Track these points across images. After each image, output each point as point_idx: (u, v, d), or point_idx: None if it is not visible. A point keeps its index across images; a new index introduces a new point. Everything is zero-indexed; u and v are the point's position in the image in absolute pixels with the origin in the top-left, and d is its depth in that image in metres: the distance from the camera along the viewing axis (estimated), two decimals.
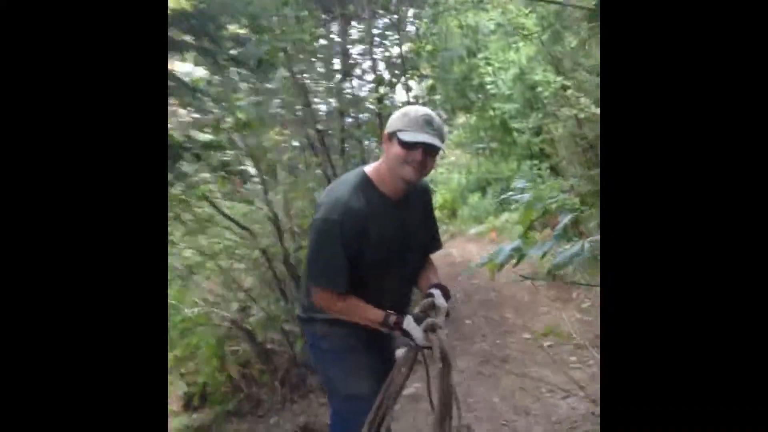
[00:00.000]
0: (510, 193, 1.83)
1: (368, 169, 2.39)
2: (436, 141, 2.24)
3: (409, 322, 2.28)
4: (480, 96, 7.85)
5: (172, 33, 3.22)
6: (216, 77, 4.18)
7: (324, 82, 5.36)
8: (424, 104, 5.80)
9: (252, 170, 4.73)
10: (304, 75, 4.76)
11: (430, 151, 2.25)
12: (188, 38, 3.26)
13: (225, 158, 4.17)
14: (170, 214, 5.09)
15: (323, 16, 5.27)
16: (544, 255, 1.66)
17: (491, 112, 9.42)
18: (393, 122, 2.29)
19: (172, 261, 5.67)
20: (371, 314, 2.31)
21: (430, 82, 6.26)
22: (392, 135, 2.27)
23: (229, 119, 4.13)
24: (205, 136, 4.03)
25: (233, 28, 3.68)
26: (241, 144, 4.33)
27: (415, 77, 5.99)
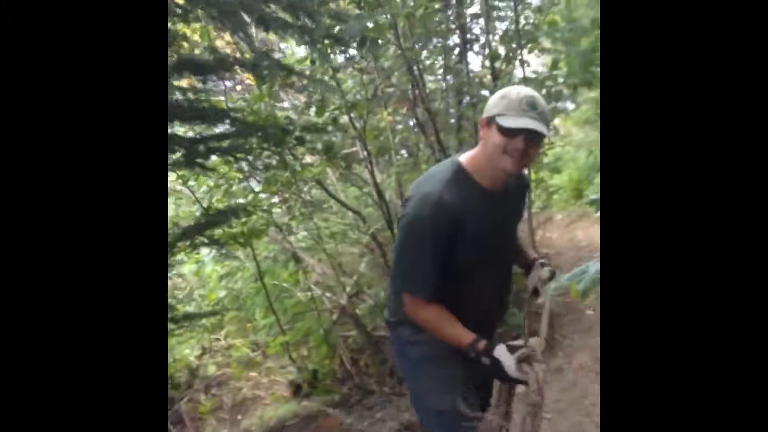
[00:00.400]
0: (594, 196, 1.51)
1: (463, 158, 2.16)
2: (540, 127, 2.00)
3: (501, 350, 2.03)
4: (596, 69, 7.32)
5: (268, 9, 3.07)
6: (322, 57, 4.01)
7: (439, 58, 5.13)
8: (544, 80, 5.45)
9: (362, 153, 4.57)
10: (417, 51, 4.52)
11: (533, 138, 2.01)
12: (285, 15, 3.09)
13: (330, 141, 4.01)
14: (282, 197, 5.05)
15: None
16: None
17: None
18: (491, 106, 2.06)
19: (285, 244, 5.67)
20: (458, 333, 2.08)
21: (552, 56, 5.87)
22: (490, 120, 2.04)
23: (336, 101, 3.98)
24: (306, 119, 3.90)
25: (334, 4, 3.48)
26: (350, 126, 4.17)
27: (535, 51, 5.63)
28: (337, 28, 3.42)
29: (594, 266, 1.37)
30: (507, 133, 1.99)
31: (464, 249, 2.08)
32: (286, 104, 5.41)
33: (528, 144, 2.00)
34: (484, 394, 2.35)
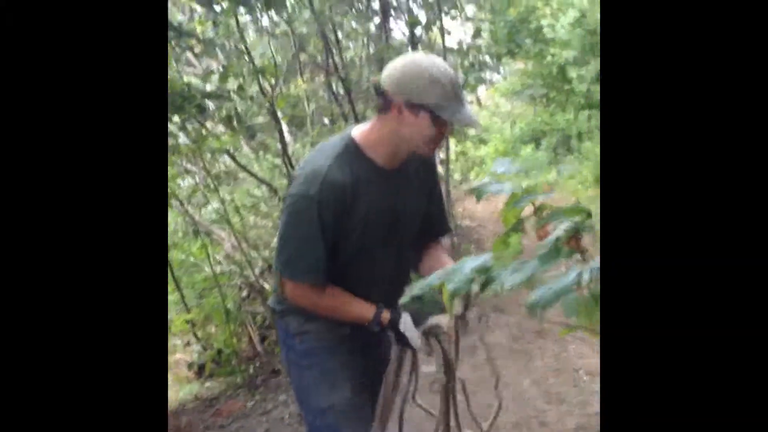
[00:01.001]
0: (484, 180, 1.33)
1: (356, 132, 1.95)
2: (473, 116, 1.86)
3: (405, 322, 1.90)
4: (529, 41, 7.22)
5: None
6: (224, 20, 3.74)
7: (354, 24, 4.89)
8: (467, 49, 5.29)
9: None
10: (331, 15, 4.28)
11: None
12: None
13: (232, 109, 3.74)
14: (185, 167, 4.78)
15: None
16: (517, 284, 1.14)
17: (549, 58, 8.82)
18: (420, 91, 1.80)
19: (197, 217, 5.42)
20: (358, 310, 1.92)
21: (476, 25, 5.71)
22: (418, 107, 1.80)
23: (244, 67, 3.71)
24: (203, 85, 3.62)
25: None
26: (256, 94, 3.91)
27: (458, 19, 5.47)
28: None
29: (471, 263, 1.18)
30: (441, 123, 1.81)
31: (356, 229, 1.90)
32: (197, 70, 5.12)
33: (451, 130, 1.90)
34: (375, 384, 2.19)
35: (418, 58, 1.87)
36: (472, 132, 9.06)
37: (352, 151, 1.90)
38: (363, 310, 1.91)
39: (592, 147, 8.52)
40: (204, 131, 3.98)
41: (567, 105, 9.97)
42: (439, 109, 1.79)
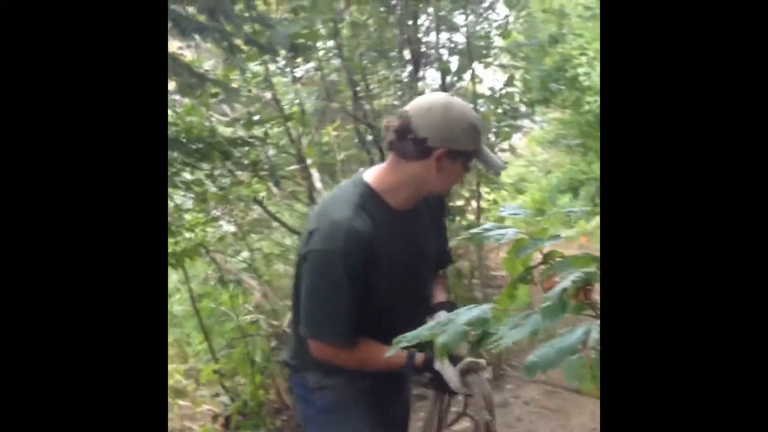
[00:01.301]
0: (487, 226, 1.23)
1: (369, 177, 1.89)
2: (497, 159, 1.91)
3: (442, 361, 1.82)
4: (562, 88, 7.15)
5: (184, 12, 2.79)
6: (257, 67, 3.74)
7: (385, 72, 4.87)
8: (500, 98, 5.23)
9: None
10: (358, 63, 4.25)
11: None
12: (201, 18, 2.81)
13: (257, 156, 3.71)
14: (214, 215, 4.75)
15: None
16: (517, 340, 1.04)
17: (586, 107, 8.72)
18: (462, 139, 1.78)
19: (226, 265, 5.38)
20: (389, 358, 1.82)
21: (509, 73, 5.66)
22: (457, 154, 1.79)
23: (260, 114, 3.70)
24: (230, 131, 3.61)
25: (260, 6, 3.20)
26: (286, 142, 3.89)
27: (492, 67, 5.42)
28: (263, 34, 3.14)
29: (466, 314, 1.08)
30: (468, 167, 1.86)
31: (382, 278, 1.83)
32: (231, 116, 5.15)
33: None
34: None
35: (449, 101, 1.82)
36: (506, 178, 8.96)
37: (368, 197, 1.84)
38: (394, 358, 1.80)
39: None
40: (230, 179, 3.95)
41: None
42: (475, 155, 1.80)
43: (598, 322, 0.97)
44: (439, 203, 2.11)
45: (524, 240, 1.13)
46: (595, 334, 0.94)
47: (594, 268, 1.07)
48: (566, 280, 1.03)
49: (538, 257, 1.15)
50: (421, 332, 1.12)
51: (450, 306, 2.00)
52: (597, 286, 1.06)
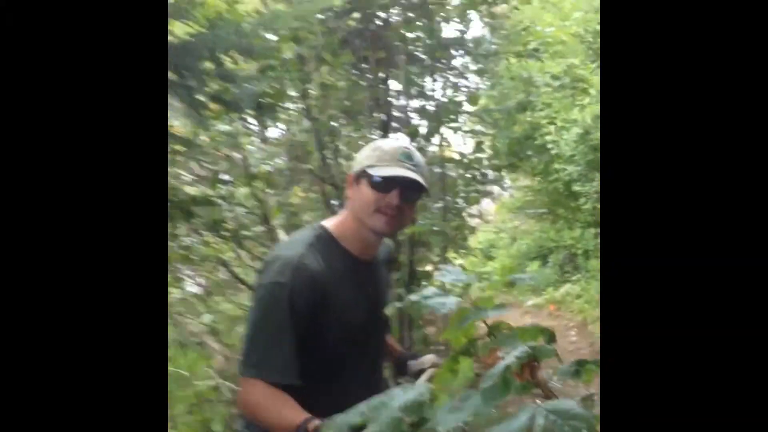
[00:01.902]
0: (426, 291, 1.16)
1: (328, 222, 1.86)
2: (417, 176, 1.75)
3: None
4: (530, 153, 7.22)
5: None
6: (225, 126, 3.70)
7: (354, 134, 4.87)
8: (468, 163, 5.26)
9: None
10: (325, 122, 4.25)
11: (409, 194, 1.76)
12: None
13: (219, 216, 3.63)
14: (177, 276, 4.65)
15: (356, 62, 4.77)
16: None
17: (554, 175, 8.81)
18: (361, 158, 1.80)
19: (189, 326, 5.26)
20: (287, 416, 1.63)
21: (477, 139, 5.70)
22: (360, 175, 1.77)
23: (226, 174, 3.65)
24: (193, 190, 3.55)
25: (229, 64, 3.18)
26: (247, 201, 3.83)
27: (459, 132, 5.45)
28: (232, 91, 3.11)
29: (402, 396, 0.97)
30: (380, 186, 1.73)
31: (332, 327, 1.75)
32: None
33: (403, 199, 1.75)
34: None
35: (383, 140, 1.89)
36: (476, 244, 8.94)
37: (324, 240, 1.80)
38: (292, 416, 1.62)
39: (599, 265, 8.38)
40: (193, 238, 3.87)
41: (573, 222, 9.91)
42: (373, 169, 1.73)
43: (545, 405, 0.88)
44: (389, 255, 2.07)
45: (466, 309, 1.07)
46: (541, 420, 0.85)
47: (542, 341, 1.01)
48: (510, 356, 0.95)
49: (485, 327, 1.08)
50: (351, 417, 1.01)
51: (413, 356, 1.97)
52: (546, 362, 1.00)
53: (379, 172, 1.72)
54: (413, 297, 1.14)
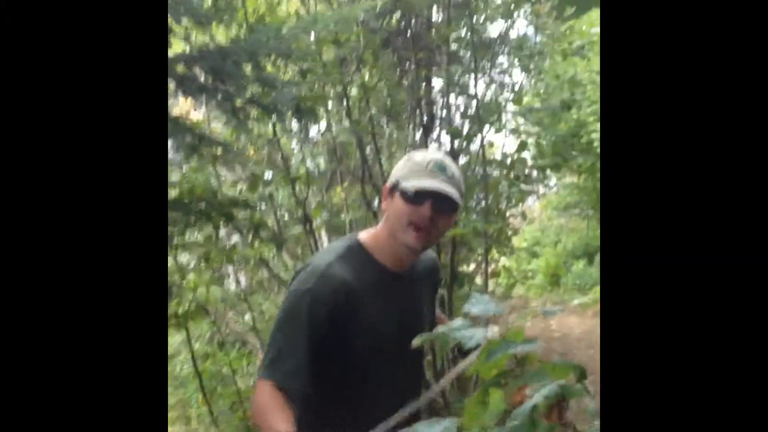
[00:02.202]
0: (455, 323, 1.12)
1: (363, 234, 1.84)
2: (449, 189, 1.70)
3: None
4: (574, 153, 7.10)
5: (188, 72, 2.77)
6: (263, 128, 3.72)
7: (396, 134, 4.85)
8: (512, 162, 5.19)
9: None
10: (365, 125, 4.24)
11: (442, 206, 1.71)
12: (204, 80, 2.78)
13: (260, 219, 3.66)
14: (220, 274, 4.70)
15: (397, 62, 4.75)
16: None
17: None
18: (395, 171, 1.77)
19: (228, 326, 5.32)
20: (274, 424, 1.60)
21: (521, 138, 5.63)
22: (393, 188, 1.74)
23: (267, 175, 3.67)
24: (234, 192, 3.57)
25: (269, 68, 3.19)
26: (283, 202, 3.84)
27: (505, 130, 5.39)
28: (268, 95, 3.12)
29: (427, 429, 0.97)
30: (411, 199, 1.69)
31: (360, 338, 1.73)
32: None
33: (436, 213, 1.70)
34: None
35: (419, 152, 1.85)
36: (521, 242, 8.84)
37: (356, 251, 1.78)
38: (278, 425, 1.59)
39: None
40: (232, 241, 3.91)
41: None
42: (405, 181, 1.69)
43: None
44: (437, 276, 2.04)
45: (495, 343, 1.04)
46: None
47: (572, 379, 0.98)
48: (538, 395, 0.93)
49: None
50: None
51: None
52: (576, 402, 0.98)
53: (410, 184, 1.69)
54: (441, 328, 1.11)
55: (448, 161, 1.78)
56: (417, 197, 1.69)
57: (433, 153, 1.81)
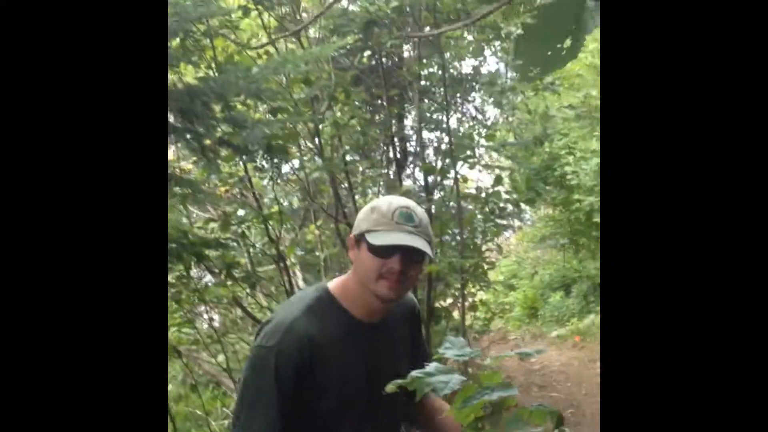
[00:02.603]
0: (429, 367, 1.11)
1: (332, 283, 1.80)
2: (418, 242, 1.66)
3: None
4: (549, 188, 7.15)
5: None
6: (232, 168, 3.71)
7: (369, 171, 4.85)
8: (487, 197, 5.21)
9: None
10: (337, 163, 4.23)
11: (412, 258, 1.67)
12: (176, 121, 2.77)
13: (232, 258, 3.62)
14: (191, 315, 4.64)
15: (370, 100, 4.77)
16: None
17: (576, 205, 8.74)
18: (359, 221, 1.71)
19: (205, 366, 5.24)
20: None
21: (495, 172, 5.66)
22: (359, 239, 1.69)
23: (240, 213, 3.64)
24: (207, 231, 3.54)
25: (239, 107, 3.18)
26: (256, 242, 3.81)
27: (478, 165, 5.41)
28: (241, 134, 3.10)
29: None
30: (379, 252, 1.65)
31: (329, 391, 1.69)
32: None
33: (406, 264, 1.66)
34: None
35: (385, 198, 1.79)
36: (497, 276, 8.84)
37: (324, 302, 1.74)
38: None
39: None
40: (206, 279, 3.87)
41: (596, 252, 9.80)
42: (371, 235, 1.65)
43: None
44: (416, 319, 1.98)
45: (471, 388, 1.02)
46: None
47: (549, 423, 0.97)
48: None
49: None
50: None
51: None
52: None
53: (376, 240, 1.64)
54: (416, 373, 1.09)
55: (413, 207, 1.73)
56: (385, 251, 1.65)
57: (398, 200, 1.74)
